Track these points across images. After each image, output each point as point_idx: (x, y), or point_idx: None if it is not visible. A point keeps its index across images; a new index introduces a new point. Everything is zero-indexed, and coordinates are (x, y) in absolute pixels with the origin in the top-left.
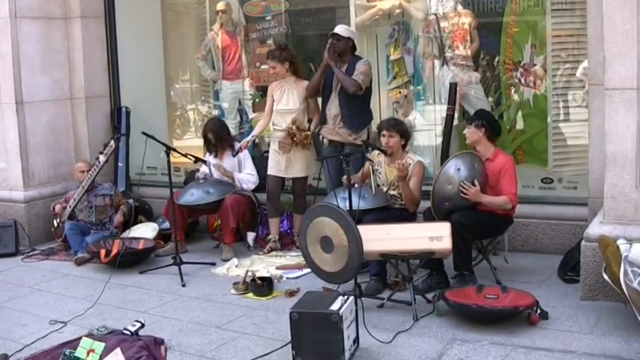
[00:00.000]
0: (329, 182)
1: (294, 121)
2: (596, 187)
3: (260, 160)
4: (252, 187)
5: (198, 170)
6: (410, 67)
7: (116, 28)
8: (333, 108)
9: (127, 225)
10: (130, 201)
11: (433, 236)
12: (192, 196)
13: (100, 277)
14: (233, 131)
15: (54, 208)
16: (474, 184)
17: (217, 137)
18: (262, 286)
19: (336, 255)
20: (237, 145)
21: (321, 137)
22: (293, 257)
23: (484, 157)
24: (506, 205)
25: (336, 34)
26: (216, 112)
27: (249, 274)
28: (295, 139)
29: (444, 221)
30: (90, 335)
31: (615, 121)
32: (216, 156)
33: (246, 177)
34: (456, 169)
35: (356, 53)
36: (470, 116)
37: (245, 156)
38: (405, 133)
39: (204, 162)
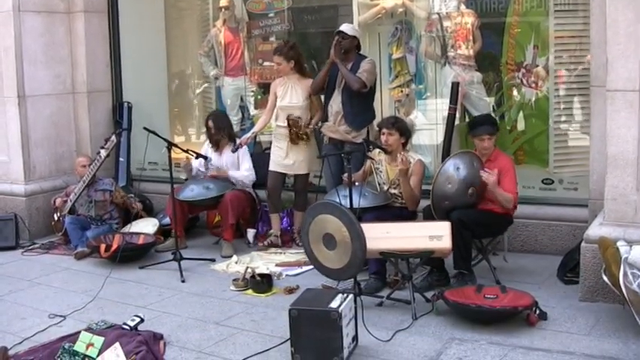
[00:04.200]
0: (330, 180)
1: (289, 116)
2: (596, 188)
3: (261, 157)
4: (249, 184)
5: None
6: (412, 66)
7: (119, 23)
8: (335, 105)
9: (127, 220)
10: (131, 196)
11: (433, 235)
12: (192, 191)
13: (99, 272)
14: (234, 128)
15: (54, 201)
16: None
17: (216, 126)
18: (262, 282)
19: (339, 251)
20: (237, 142)
21: (321, 135)
22: (293, 254)
23: (484, 159)
24: (510, 203)
25: (342, 32)
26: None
27: (249, 270)
28: (293, 130)
29: (443, 220)
30: (89, 329)
31: (617, 122)
32: (217, 149)
33: (241, 175)
34: (455, 168)
35: (359, 52)
36: (481, 128)
37: (243, 153)
38: (404, 131)
39: (206, 158)
